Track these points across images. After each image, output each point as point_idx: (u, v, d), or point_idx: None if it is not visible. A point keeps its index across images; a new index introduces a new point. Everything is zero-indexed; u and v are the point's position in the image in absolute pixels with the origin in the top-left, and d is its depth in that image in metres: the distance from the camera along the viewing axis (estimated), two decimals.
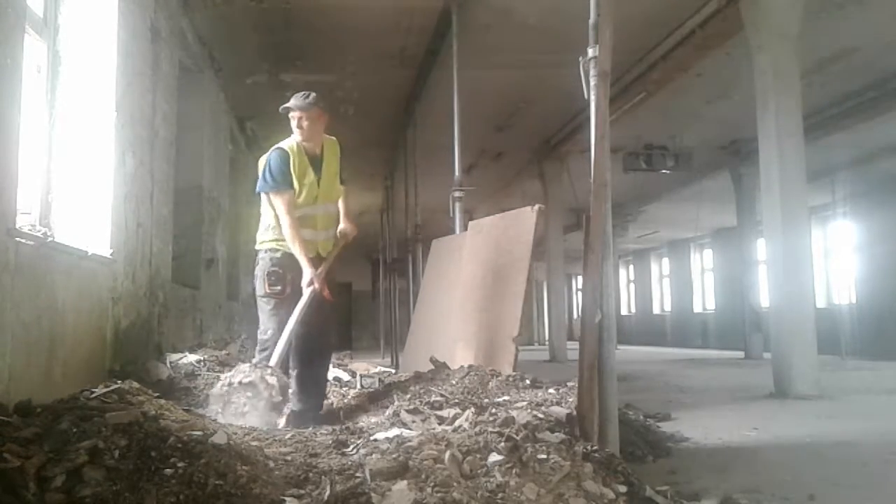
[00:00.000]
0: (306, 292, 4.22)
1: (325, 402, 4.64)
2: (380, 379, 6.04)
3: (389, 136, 12.34)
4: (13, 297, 3.00)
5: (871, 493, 2.99)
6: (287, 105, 4.35)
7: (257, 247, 4.48)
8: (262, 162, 4.40)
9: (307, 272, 4.21)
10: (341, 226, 4.62)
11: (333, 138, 4.60)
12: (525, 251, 5.14)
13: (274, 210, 4.33)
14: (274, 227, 4.37)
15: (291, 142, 4.40)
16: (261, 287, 4.34)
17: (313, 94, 4.41)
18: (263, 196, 4.42)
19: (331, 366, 5.25)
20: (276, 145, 4.40)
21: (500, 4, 7.77)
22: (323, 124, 4.47)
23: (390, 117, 11.43)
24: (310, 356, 4.42)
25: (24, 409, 2.52)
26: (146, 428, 2.29)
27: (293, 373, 4.35)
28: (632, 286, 29.11)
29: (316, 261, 4.38)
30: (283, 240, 4.29)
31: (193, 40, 7.70)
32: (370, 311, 24.70)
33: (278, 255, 4.31)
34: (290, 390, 4.31)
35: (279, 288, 4.26)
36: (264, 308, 4.35)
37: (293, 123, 4.37)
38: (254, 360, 4.33)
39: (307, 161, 4.38)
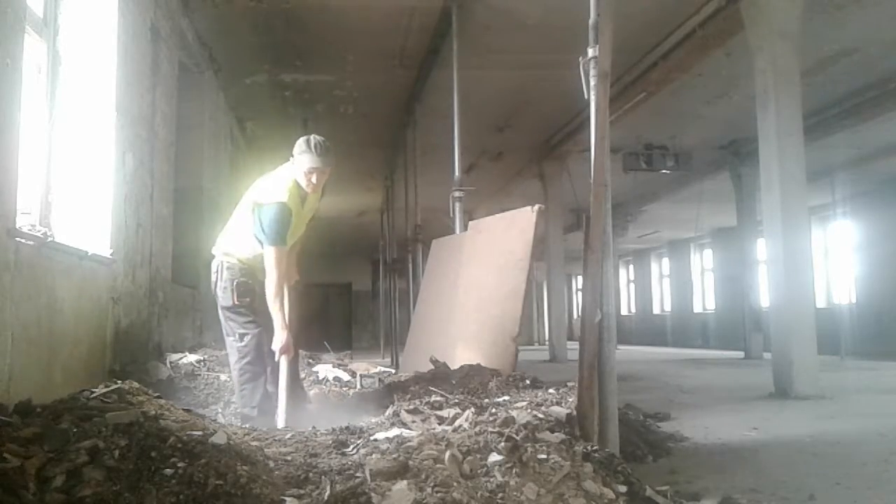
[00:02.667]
0: (282, 359, 4.07)
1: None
2: (380, 379, 6.04)
3: (389, 136, 12.34)
4: (13, 297, 3.01)
5: (871, 493, 2.99)
6: (316, 165, 4.06)
7: (220, 256, 4.26)
8: (268, 212, 4.07)
9: (281, 335, 4.05)
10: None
11: None
12: (525, 251, 5.14)
13: (263, 252, 4.11)
14: (244, 244, 4.20)
15: (289, 185, 4.11)
16: (228, 298, 4.17)
17: (329, 146, 4.13)
18: (244, 214, 4.22)
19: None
20: (278, 197, 4.06)
21: (500, 4, 7.77)
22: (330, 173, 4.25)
23: (390, 117, 11.42)
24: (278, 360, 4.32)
25: (24, 409, 2.51)
26: (146, 428, 2.29)
27: (271, 382, 4.26)
28: (632, 286, 29.10)
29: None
30: (251, 257, 4.16)
31: (193, 40, 7.70)
32: (370, 311, 24.74)
33: (246, 265, 4.19)
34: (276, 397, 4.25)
35: (248, 299, 4.15)
36: (237, 319, 4.20)
37: (310, 176, 4.09)
38: (236, 368, 4.20)
39: (300, 206, 4.19)
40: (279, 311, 4.05)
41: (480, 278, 5.67)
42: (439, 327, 6.35)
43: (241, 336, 4.20)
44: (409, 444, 2.57)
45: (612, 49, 3.21)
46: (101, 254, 4.32)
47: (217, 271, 4.26)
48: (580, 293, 17.52)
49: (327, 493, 2.14)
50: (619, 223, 17.57)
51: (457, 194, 7.45)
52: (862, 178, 14.02)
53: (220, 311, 4.30)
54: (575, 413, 3.02)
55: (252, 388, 4.16)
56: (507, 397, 3.90)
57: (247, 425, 3.95)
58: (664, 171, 12.81)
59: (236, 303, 4.16)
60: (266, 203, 4.08)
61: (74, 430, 2.25)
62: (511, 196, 16.27)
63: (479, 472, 2.34)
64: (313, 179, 4.12)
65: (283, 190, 4.10)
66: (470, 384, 4.33)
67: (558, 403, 3.37)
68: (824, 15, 7.79)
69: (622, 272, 29.02)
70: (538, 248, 5.63)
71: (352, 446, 2.89)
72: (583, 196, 4.82)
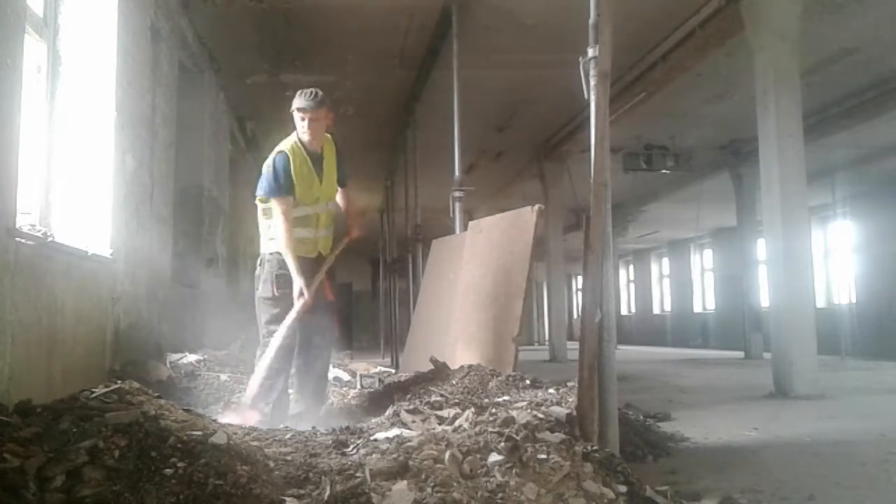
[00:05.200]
0: (297, 304, 4.15)
1: (325, 402, 4.63)
2: (380, 379, 6.05)
3: (389, 136, 12.33)
4: (13, 297, 3.00)
5: (871, 493, 2.99)
6: (301, 106, 4.24)
7: (263, 250, 4.40)
8: (266, 165, 4.30)
9: (297, 282, 4.15)
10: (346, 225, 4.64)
11: (329, 136, 4.51)
12: (525, 251, 5.14)
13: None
14: (273, 225, 4.32)
15: (292, 141, 4.32)
16: (268, 290, 4.28)
17: (321, 93, 4.30)
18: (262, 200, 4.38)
19: (330, 366, 5.24)
20: (278, 148, 4.30)
21: (500, 4, 7.77)
22: (329, 123, 4.42)
23: (390, 117, 11.42)
24: (309, 357, 4.40)
25: (24, 409, 2.51)
26: (146, 428, 2.29)
27: (292, 372, 4.34)
28: (632, 286, 29.11)
29: (317, 260, 4.37)
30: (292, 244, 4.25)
31: (193, 40, 7.69)
32: (370, 311, 24.73)
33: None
34: (289, 391, 4.30)
35: (287, 290, 4.21)
36: (270, 311, 4.28)
37: (302, 123, 4.27)
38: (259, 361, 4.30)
39: (308, 161, 4.31)
40: (292, 260, 4.16)
41: (480, 278, 5.66)
42: (439, 327, 6.35)
43: (271, 332, 4.26)
44: (409, 444, 2.57)
45: (612, 49, 3.21)
46: (101, 254, 4.32)
47: (260, 265, 4.40)
48: (580, 293, 17.52)
49: (327, 493, 2.14)
50: (619, 223, 17.58)
51: (457, 194, 7.45)
52: (862, 178, 14.02)
53: (257, 304, 4.40)
54: (575, 413, 3.02)
55: (271, 385, 4.19)
56: (507, 397, 3.90)
57: (258, 419, 4.01)
58: (664, 171, 12.83)
59: (276, 294, 4.25)
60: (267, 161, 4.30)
61: (74, 430, 2.25)
62: (511, 196, 16.26)
63: (479, 472, 2.34)
64: (305, 125, 4.26)
65: (284, 145, 4.31)
66: (470, 384, 4.33)
67: (558, 403, 3.37)
68: (824, 15, 7.78)
69: (622, 272, 29.02)
70: (538, 248, 5.64)
71: (352, 446, 2.88)
72: (583, 196, 4.82)
